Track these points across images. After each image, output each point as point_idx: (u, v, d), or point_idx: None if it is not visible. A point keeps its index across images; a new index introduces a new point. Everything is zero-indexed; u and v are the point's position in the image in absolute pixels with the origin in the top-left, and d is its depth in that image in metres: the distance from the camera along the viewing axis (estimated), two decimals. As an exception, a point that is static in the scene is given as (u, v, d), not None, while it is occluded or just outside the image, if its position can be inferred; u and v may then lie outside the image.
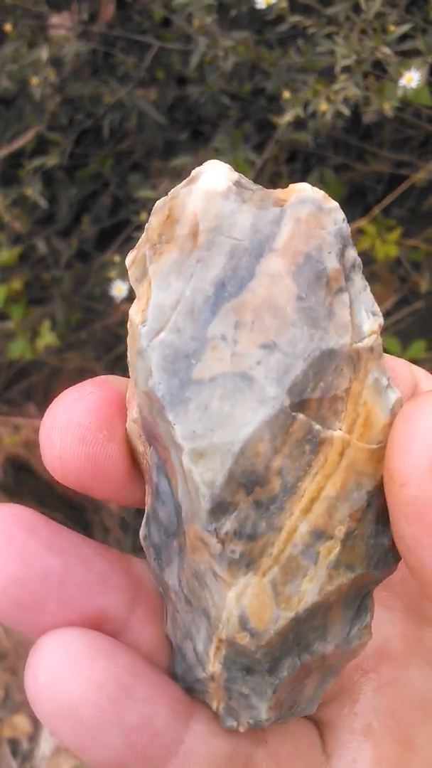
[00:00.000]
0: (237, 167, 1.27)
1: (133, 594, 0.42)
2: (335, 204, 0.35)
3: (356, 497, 0.36)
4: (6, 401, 1.63)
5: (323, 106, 1.04)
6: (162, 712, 0.39)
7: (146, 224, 0.37)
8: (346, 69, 1.07)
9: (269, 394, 0.34)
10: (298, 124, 1.16)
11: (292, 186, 0.36)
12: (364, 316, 0.36)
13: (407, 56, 1.09)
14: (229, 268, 0.35)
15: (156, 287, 0.36)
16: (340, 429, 0.35)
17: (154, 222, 0.37)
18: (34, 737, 1.38)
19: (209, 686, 0.40)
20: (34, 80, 1.12)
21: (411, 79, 1.04)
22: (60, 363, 1.62)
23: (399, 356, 1.31)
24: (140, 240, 0.37)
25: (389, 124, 1.32)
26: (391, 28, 1.05)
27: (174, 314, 0.35)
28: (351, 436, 0.35)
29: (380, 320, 0.36)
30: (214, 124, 1.39)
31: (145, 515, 0.40)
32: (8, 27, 1.12)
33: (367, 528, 0.36)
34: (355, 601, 0.38)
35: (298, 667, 0.38)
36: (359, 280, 0.36)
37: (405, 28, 1.06)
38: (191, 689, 0.41)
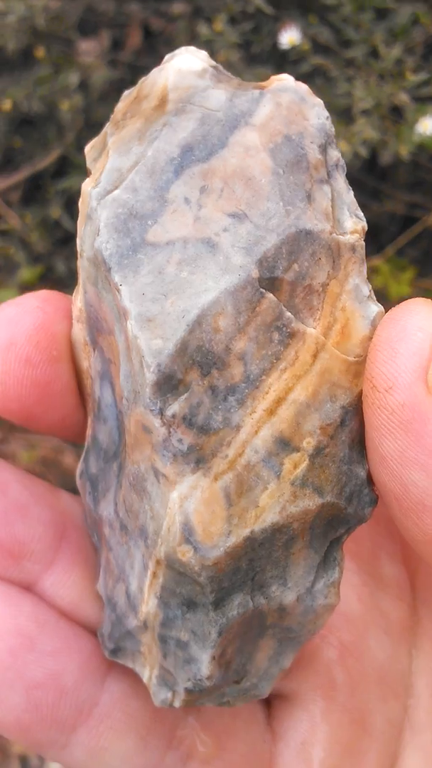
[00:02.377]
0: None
1: (59, 530, 0.38)
2: (320, 101, 0.34)
3: (329, 409, 0.32)
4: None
5: (343, 146, 1.06)
6: (72, 667, 0.35)
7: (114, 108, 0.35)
8: (365, 112, 1.09)
9: (235, 263, 0.31)
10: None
11: (273, 77, 0.35)
12: (347, 214, 0.33)
13: (423, 102, 1.11)
14: (199, 134, 0.33)
15: (114, 154, 0.33)
16: (315, 329, 0.32)
17: (120, 105, 0.35)
18: None
19: (141, 640, 0.35)
20: (65, 105, 1.14)
21: (427, 126, 1.06)
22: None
23: None
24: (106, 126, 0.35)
25: (404, 167, 1.34)
26: (409, 75, 1.07)
27: (131, 174, 0.32)
28: (327, 339, 0.32)
29: (363, 224, 0.33)
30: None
31: (84, 449, 0.37)
32: (41, 52, 1.15)
33: (340, 449, 0.32)
34: (323, 543, 0.34)
35: (250, 609, 0.33)
36: (342, 181, 0.34)
37: (423, 76, 1.08)
38: (119, 650, 0.36)
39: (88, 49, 1.28)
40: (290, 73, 1.09)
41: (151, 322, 0.30)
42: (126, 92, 0.36)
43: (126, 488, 0.33)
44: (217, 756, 0.39)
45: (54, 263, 1.47)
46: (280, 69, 1.23)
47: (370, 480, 0.33)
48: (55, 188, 1.34)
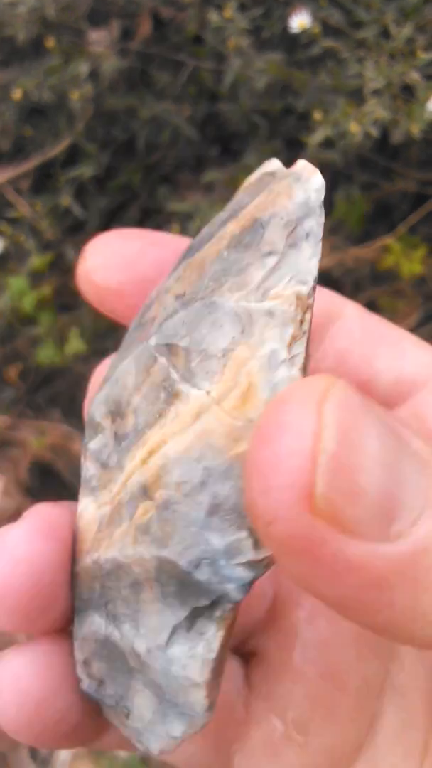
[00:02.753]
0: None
1: None
2: (316, 174, 0.34)
3: (192, 468, 0.31)
4: (32, 406, 1.65)
5: (353, 127, 1.06)
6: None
7: None
8: (376, 92, 1.09)
9: (150, 332, 0.34)
10: (327, 143, 1.18)
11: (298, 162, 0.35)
12: (284, 281, 0.32)
13: (435, 80, 1.11)
14: (206, 233, 0.36)
15: None
16: (209, 392, 0.32)
17: None
18: None
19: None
20: (75, 94, 1.15)
21: (438, 103, 1.06)
22: (85, 370, 1.64)
23: None
24: None
25: (416, 145, 1.34)
26: (420, 54, 1.07)
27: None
28: (220, 403, 0.31)
29: (301, 288, 0.31)
30: (243, 141, 1.42)
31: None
32: (51, 42, 1.15)
33: (192, 509, 0.31)
34: (180, 606, 0.33)
35: (103, 634, 0.35)
36: (308, 248, 0.32)
37: (434, 54, 1.09)
38: None
39: (99, 38, 1.28)
40: (301, 57, 1.09)
41: (106, 381, 0.37)
42: None
43: None
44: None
45: (64, 250, 1.48)
46: (290, 53, 1.24)
47: (235, 556, 0.31)
48: (65, 177, 1.34)
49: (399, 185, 1.43)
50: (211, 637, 0.32)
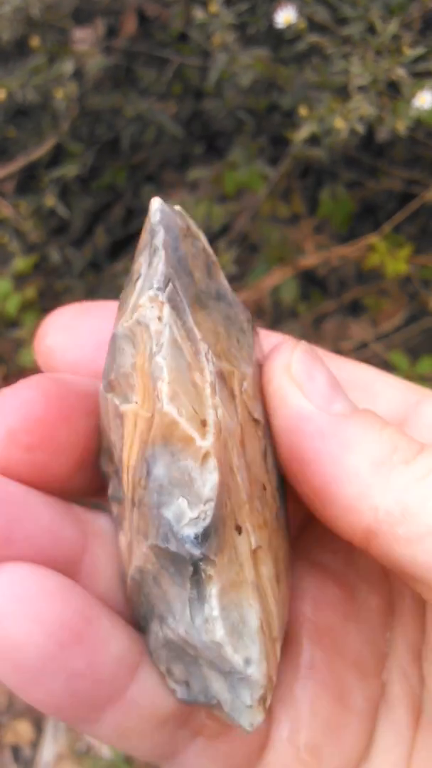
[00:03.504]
0: (252, 181, 1.30)
1: (83, 538, 0.41)
2: (154, 200, 0.40)
3: (140, 466, 0.38)
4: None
5: (339, 124, 1.06)
6: (109, 660, 0.38)
7: None
8: (361, 88, 1.09)
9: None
10: (313, 140, 1.18)
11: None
12: (144, 293, 0.38)
13: (420, 77, 1.11)
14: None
15: None
16: (136, 402, 0.38)
17: None
18: (36, 744, 1.38)
19: None
20: (59, 93, 1.14)
21: (424, 100, 1.06)
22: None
23: (408, 372, 1.31)
24: None
25: (401, 143, 1.34)
26: (406, 50, 1.07)
27: None
28: (141, 406, 0.38)
29: (150, 292, 0.38)
30: (229, 138, 1.42)
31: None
32: (35, 41, 1.15)
33: (151, 497, 0.37)
34: (183, 580, 0.38)
35: (161, 639, 0.39)
36: (156, 259, 0.39)
37: (419, 51, 1.09)
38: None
39: (83, 37, 1.28)
40: (286, 53, 1.08)
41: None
42: None
43: None
44: (221, 733, 0.43)
45: (48, 252, 1.48)
46: (276, 49, 1.23)
47: (180, 519, 0.37)
48: (49, 177, 1.34)
49: (384, 184, 1.43)
50: (209, 596, 0.37)
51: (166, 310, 0.38)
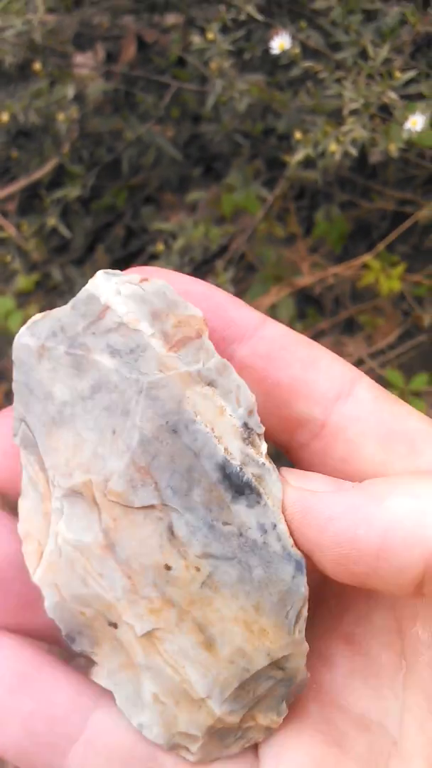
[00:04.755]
0: (249, 204, 1.32)
1: None
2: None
3: None
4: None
5: (333, 147, 1.09)
6: (61, 700, 0.41)
7: None
8: (354, 112, 1.12)
9: None
10: (308, 162, 1.20)
11: None
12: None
13: (412, 100, 1.14)
14: None
15: None
16: None
17: None
18: None
19: None
20: (61, 116, 1.17)
21: (416, 122, 1.08)
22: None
23: (402, 389, 1.31)
24: None
25: (394, 164, 1.36)
26: (397, 74, 1.10)
27: None
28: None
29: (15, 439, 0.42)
30: (226, 161, 1.44)
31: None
32: (38, 65, 1.17)
33: None
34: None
35: None
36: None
37: (411, 74, 1.11)
38: None
39: (84, 61, 1.30)
40: (281, 78, 1.11)
41: None
42: None
43: None
44: None
45: (50, 271, 1.50)
46: (271, 74, 1.26)
47: None
48: (51, 198, 1.36)
49: (378, 204, 1.45)
50: (97, 677, 0.43)
51: (21, 453, 0.41)
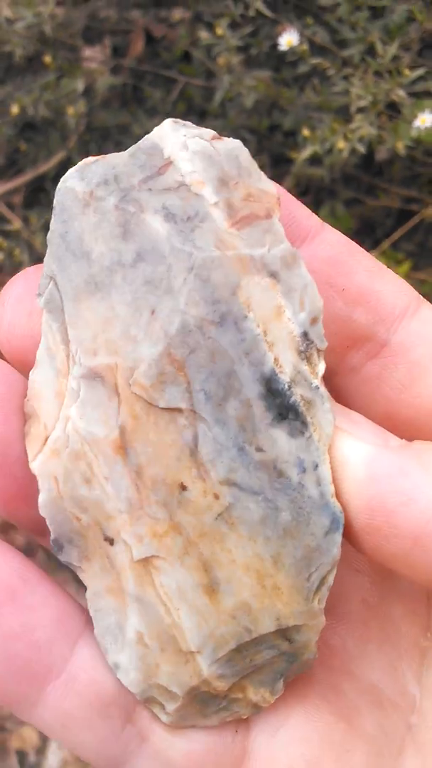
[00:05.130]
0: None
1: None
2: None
3: None
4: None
5: (341, 144, 1.09)
6: (46, 623, 0.36)
7: None
8: (362, 109, 1.12)
9: None
10: (314, 159, 1.20)
11: None
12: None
13: (419, 97, 1.14)
14: None
15: None
16: None
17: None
18: (41, 750, 1.37)
19: None
20: (71, 110, 1.17)
21: (425, 120, 1.09)
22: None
23: None
24: None
25: (400, 161, 1.36)
26: (406, 72, 1.10)
27: None
28: None
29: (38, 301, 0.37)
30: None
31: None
32: (48, 59, 1.17)
33: None
34: None
35: None
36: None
37: (419, 72, 1.11)
38: None
39: (92, 55, 1.30)
40: (288, 74, 1.11)
41: None
42: None
43: None
44: (176, 740, 0.39)
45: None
46: (276, 70, 1.26)
47: None
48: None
49: (383, 201, 1.45)
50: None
51: (44, 317, 0.35)
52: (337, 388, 0.38)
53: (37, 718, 0.37)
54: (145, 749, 0.38)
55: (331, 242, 0.37)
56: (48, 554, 1.64)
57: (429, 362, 0.36)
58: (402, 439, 0.35)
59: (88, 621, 0.38)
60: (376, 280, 0.37)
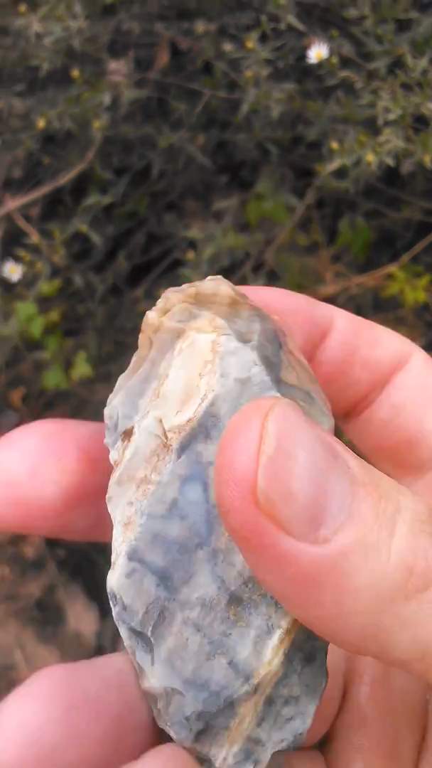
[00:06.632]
0: (277, 212, 1.32)
1: None
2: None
3: None
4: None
5: (370, 157, 1.09)
6: None
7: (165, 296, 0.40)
8: (390, 122, 1.11)
9: (325, 412, 0.39)
10: (338, 172, 1.20)
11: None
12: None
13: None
14: (277, 327, 0.40)
15: (223, 320, 0.38)
16: None
17: (179, 295, 0.39)
18: None
19: (239, 711, 0.36)
20: (96, 123, 1.17)
21: (453, 134, 1.09)
22: (89, 394, 1.65)
23: None
24: (162, 303, 0.39)
25: (423, 174, 1.36)
26: (436, 85, 1.10)
27: (255, 336, 0.38)
28: None
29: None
30: (252, 169, 1.44)
31: (124, 554, 0.38)
32: (76, 72, 1.17)
33: None
34: None
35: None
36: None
37: (449, 86, 1.11)
38: (206, 730, 0.37)
39: (117, 68, 1.30)
40: (315, 87, 1.10)
41: None
42: (173, 288, 0.40)
43: (244, 565, 0.36)
44: None
45: (71, 276, 1.49)
46: (300, 83, 1.26)
47: None
48: (81, 205, 1.36)
49: (403, 214, 1.45)
50: None
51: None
52: (345, 432, 0.46)
53: None
54: None
55: (340, 329, 0.43)
56: (60, 566, 1.63)
57: (406, 402, 0.44)
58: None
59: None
60: (374, 349, 0.44)
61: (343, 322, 0.43)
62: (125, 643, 0.38)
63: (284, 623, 0.35)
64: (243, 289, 0.40)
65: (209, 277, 0.40)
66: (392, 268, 1.39)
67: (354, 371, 0.44)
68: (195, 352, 0.37)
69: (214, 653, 0.36)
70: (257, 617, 0.36)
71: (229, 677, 0.36)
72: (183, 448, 0.37)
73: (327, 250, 1.50)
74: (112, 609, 0.38)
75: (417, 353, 0.45)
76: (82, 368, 1.48)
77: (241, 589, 0.36)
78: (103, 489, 0.38)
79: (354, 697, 0.43)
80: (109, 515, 0.38)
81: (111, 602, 0.38)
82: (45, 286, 1.43)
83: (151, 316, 0.38)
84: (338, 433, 0.45)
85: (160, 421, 0.37)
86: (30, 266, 1.35)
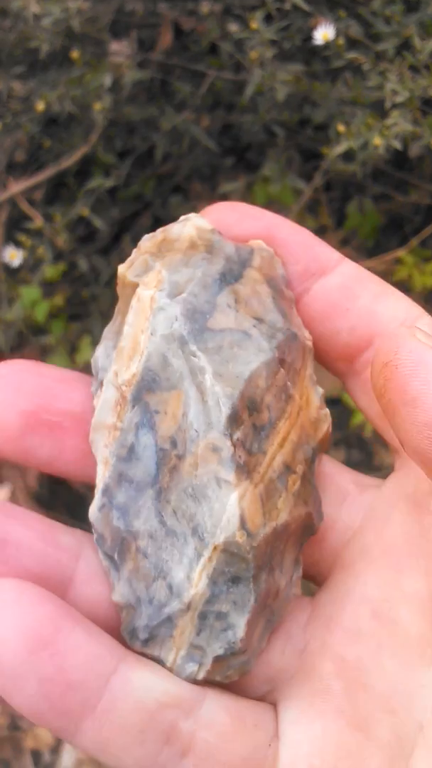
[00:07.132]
0: (284, 195, 1.30)
1: (71, 559, 0.45)
2: (278, 259, 0.48)
3: (306, 449, 0.46)
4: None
5: (377, 140, 1.07)
6: (80, 665, 0.40)
7: (138, 245, 0.48)
8: (398, 105, 1.09)
9: (264, 346, 0.44)
10: (346, 155, 1.19)
11: (251, 241, 0.49)
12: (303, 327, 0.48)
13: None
14: (227, 267, 0.46)
15: (166, 272, 0.45)
16: (296, 396, 0.46)
17: (147, 243, 0.48)
18: (56, 749, 1.38)
19: (177, 624, 0.44)
20: (98, 105, 1.15)
21: (463, 117, 1.07)
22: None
23: None
24: (133, 255, 0.47)
25: (430, 158, 1.35)
26: (444, 68, 1.08)
27: (190, 285, 0.44)
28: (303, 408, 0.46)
29: (309, 335, 0.48)
30: (258, 151, 1.42)
31: (100, 490, 0.45)
32: (76, 54, 1.15)
33: (311, 476, 0.46)
34: (298, 544, 0.46)
35: (263, 589, 0.44)
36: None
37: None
38: (151, 638, 0.44)
39: (119, 49, 1.28)
40: (321, 69, 1.08)
41: (222, 377, 0.43)
42: (148, 235, 0.48)
43: (177, 501, 0.44)
44: (214, 755, 0.42)
45: (76, 260, 1.48)
46: (307, 64, 1.24)
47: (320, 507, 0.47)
48: (84, 188, 1.35)
49: (413, 197, 1.43)
50: (301, 561, 0.48)
51: (311, 351, 0.48)
52: (348, 389, 0.49)
53: (78, 744, 0.41)
54: (185, 764, 0.42)
55: (343, 272, 0.47)
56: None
57: None
58: None
59: (124, 655, 0.42)
60: (378, 301, 0.46)
61: (349, 268, 0.47)
62: (102, 564, 0.46)
63: (206, 552, 0.42)
64: (249, 210, 0.49)
65: (182, 217, 0.48)
66: (401, 252, 1.38)
67: (350, 316, 0.46)
68: (140, 308, 0.44)
69: (158, 577, 0.44)
70: (188, 548, 0.43)
71: (168, 597, 0.44)
72: (134, 399, 0.44)
73: (335, 234, 1.48)
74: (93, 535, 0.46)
75: (426, 317, 0.46)
76: (87, 353, 1.47)
77: (175, 523, 0.43)
78: (57, 425, 0.45)
79: (314, 670, 0.45)
80: (68, 451, 0.46)
81: (93, 530, 0.46)
82: (49, 271, 1.42)
83: (121, 269, 0.46)
84: (339, 391, 0.47)
85: (116, 374, 0.45)
86: (31, 251, 1.34)
